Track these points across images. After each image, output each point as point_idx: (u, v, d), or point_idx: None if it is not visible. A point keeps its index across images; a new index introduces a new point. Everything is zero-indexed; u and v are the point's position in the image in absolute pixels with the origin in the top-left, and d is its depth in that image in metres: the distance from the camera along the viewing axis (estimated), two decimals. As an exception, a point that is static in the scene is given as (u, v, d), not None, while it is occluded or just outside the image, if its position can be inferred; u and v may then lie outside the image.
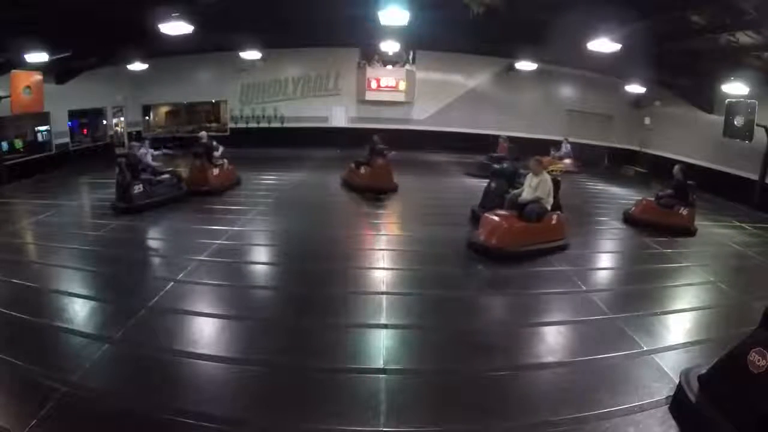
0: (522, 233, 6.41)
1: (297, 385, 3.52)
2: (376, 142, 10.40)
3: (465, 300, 5.20)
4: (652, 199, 8.63)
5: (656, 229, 8.03)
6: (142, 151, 9.23)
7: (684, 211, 8.23)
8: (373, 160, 10.10)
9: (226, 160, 10.12)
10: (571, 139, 14.97)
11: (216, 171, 9.76)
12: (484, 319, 4.89)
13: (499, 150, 13.41)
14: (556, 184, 6.76)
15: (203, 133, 10.46)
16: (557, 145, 14.76)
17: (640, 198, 9.09)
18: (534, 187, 6.69)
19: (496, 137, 14.07)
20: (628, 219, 8.64)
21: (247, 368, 3.70)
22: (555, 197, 6.73)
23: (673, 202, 8.26)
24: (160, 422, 3.04)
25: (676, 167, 8.68)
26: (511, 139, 13.78)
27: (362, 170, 10.12)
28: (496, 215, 6.61)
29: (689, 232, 8.11)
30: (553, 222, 6.67)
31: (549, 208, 6.64)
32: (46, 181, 10.97)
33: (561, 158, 14.39)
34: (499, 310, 5.22)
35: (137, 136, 15.90)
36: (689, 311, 5.21)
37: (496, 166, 11.20)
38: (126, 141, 15.57)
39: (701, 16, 7.39)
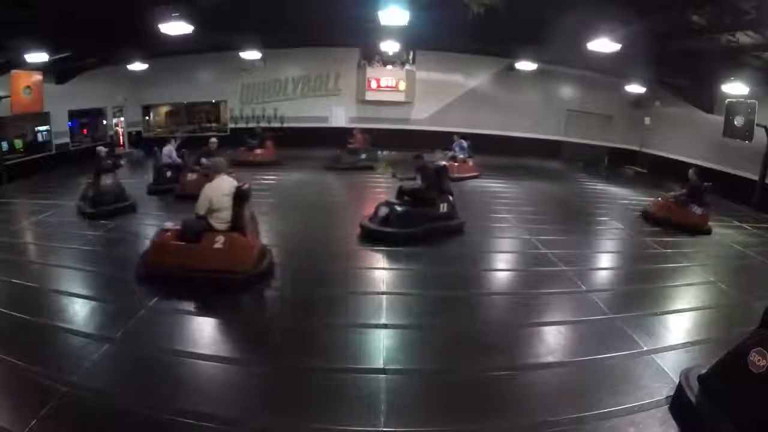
0: (173, 253, 4.94)
1: (297, 385, 3.51)
2: (261, 131, 13.77)
3: (466, 300, 5.20)
4: (665, 199, 8.95)
5: (671, 226, 8.35)
6: (168, 148, 9.80)
7: (698, 211, 8.45)
8: (264, 144, 13.43)
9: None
10: (462, 131, 13.47)
11: (194, 176, 9.02)
12: (484, 319, 4.88)
13: (355, 142, 13.29)
14: (241, 193, 5.06)
15: (213, 140, 10.17)
16: (448, 142, 12.85)
17: (657, 197, 9.38)
18: None
19: (351, 129, 13.99)
20: (647, 216, 8.98)
21: (247, 368, 3.71)
22: (239, 211, 5.05)
23: (688, 201, 8.54)
24: (160, 422, 3.03)
25: (691, 170, 8.96)
26: (365, 130, 13.85)
27: (257, 151, 13.34)
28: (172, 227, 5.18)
29: (703, 231, 8.37)
30: (216, 246, 4.87)
31: (216, 225, 4.96)
32: (46, 181, 10.96)
33: (465, 159, 12.56)
34: (499, 310, 5.21)
35: (137, 136, 15.95)
36: (689, 311, 5.21)
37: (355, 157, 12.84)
38: (126, 141, 15.61)
39: (701, 16, 7.39)
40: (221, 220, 4.96)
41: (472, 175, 12.46)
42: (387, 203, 7.10)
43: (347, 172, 12.42)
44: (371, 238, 6.83)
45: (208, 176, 8.74)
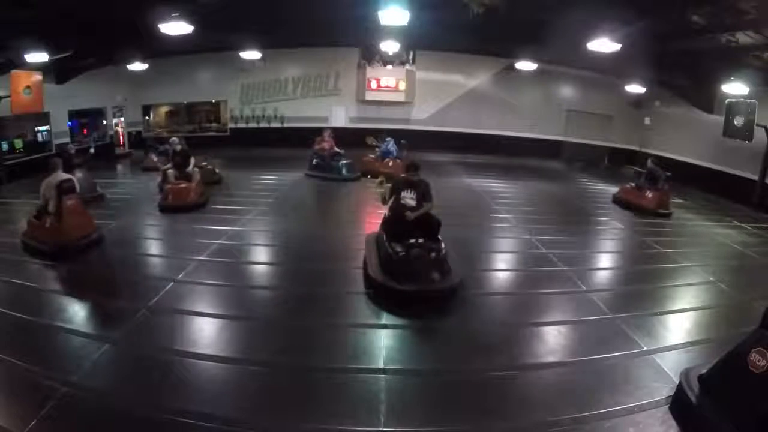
0: (33, 228, 6.34)
1: (297, 385, 3.52)
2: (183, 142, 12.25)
3: (466, 299, 5.20)
4: (629, 185, 10.38)
5: (633, 209, 9.61)
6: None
7: (649, 195, 9.59)
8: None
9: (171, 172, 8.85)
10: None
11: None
12: (484, 319, 4.88)
13: (327, 145, 11.82)
14: (61, 187, 6.12)
15: (174, 139, 9.77)
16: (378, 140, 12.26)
17: (625, 185, 10.61)
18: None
19: (321, 130, 12.40)
20: (615, 200, 10.38)
21: (247, 368, 3.71)
22: (57, 203, 6.13)
23: (644, 186, 9.82)
24: (160, 422, 3.04)
25: (649, 159, 10.38)
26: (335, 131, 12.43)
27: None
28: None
29: (659, 213, 9.39)
30: (46, 225, 6.15)
31: (50, 209, 6.12)
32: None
33: (388, 160, 11.70)
34: (499, 310, 5.21)
35: (137, 136, 15.93)
36: (689, 311, 5.21)
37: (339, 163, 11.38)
38: (126, 141, 15.60)
39: (701, 16, 7.39)
40: (52, 206, 6.15)
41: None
42: (412, 243, 4.95)
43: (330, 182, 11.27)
44: (399, 302, 4.70)
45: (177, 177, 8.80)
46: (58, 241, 5.98)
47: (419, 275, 4.80)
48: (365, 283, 5.19)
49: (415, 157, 11.39)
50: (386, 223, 5.48)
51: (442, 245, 5.06)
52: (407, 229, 5.15)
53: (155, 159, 12.28)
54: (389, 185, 5.78)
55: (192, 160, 9.23)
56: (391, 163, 11.76)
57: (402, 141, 12.08)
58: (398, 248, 4.94)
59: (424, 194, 5.45)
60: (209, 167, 10.61)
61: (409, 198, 5.45)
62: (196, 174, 8.94)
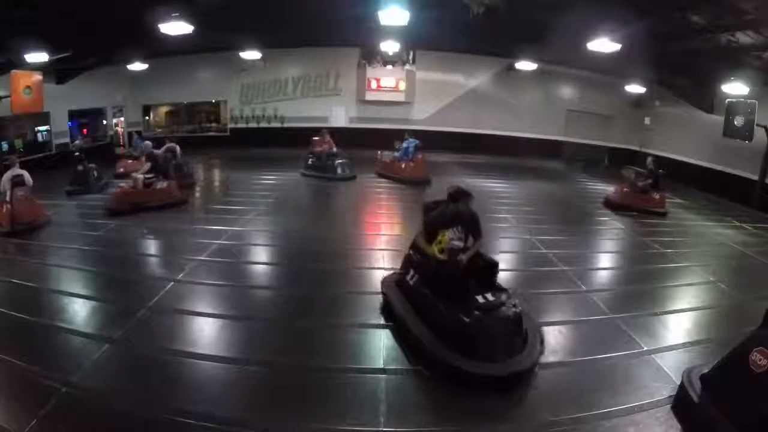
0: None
1: (297, 385, 3.51)
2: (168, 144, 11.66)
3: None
4: (627, 187, 9.98)
5: (634, 211, 9.37)
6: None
7: (657, 196, 9.65)
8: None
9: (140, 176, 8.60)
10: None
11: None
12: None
13: (327, 146, 11.63)
14: (15, 180, 7.36)
15: (147, 142, 9.56)
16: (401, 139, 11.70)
17: (620, 187, 10.23)
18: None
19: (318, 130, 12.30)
20: (609, 204, 9.90)
21: (247, 368, 3.70)
22: (11, 193, 7.30)
23: (649, 188, 9.70)
24: (160, 422, 3.04)
25: (649, 159, 10.27)
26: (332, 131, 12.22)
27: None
28: None
29: (661, 212, 9.49)
30: (2, 211, 7.20)
31: (7, 198, 7.22)
32: (46, 180, 10.93)
33: (400, 159, 11.37)
34: (499, 310, 5.20)
35: (138, 134, 15.92)
36: (689, 311, 5.20)
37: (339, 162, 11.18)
38: (126, 141, 15.59)
39: (701, 16, 7.39)
40: (7, 196, 7.23)
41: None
42: (482, 303, 3.74)
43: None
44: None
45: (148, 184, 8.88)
46: (11, 223, 7.07)
47: (501, 348, 3.49)
48: (408, 353, 3.89)
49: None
50: (431, 271, 3.99)
51: (510, 293, 3.92)
52: (459, 277, 3.82)
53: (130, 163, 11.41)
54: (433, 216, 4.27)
55: (146, 166, 8.81)
56: (404, 165, 11.27)
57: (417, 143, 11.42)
58: (463, 310, 3.59)
59: (473, 231, 4.17)
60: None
61: (456, 239, 4.10)
62: (139, 180, 8.49)
